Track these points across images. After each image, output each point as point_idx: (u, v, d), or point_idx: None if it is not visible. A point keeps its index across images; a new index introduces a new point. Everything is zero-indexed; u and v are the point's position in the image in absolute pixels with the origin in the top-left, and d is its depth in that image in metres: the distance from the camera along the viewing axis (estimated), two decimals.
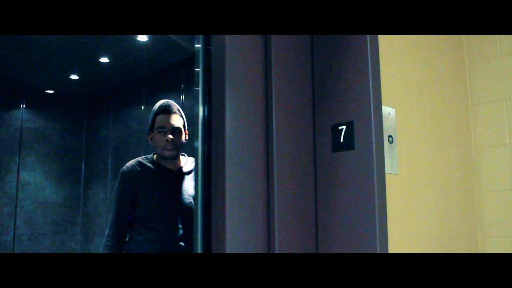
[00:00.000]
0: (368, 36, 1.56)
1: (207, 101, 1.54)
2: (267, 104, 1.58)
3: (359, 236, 1.50)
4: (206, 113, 1.56)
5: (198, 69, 1.54)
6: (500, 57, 1.99)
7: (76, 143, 6.52)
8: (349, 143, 1.57)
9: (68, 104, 6.50)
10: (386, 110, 1.62)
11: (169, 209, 2.17)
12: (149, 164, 2.24)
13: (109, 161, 5.86)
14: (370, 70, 1.55)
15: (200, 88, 1.55)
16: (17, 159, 6.06)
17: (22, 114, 6.20)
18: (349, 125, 1.58)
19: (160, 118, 2.21)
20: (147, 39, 4.36)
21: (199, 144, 1.52)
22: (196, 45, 1.56)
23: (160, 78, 5.18)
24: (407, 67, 1.78)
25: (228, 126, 1.45)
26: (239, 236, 1.42)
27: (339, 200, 1.58)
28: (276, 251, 1.52)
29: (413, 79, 1.81)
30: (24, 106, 6.22)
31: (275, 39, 1.61)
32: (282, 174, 1.56)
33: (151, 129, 2.24)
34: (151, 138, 2.25)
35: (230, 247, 1.38)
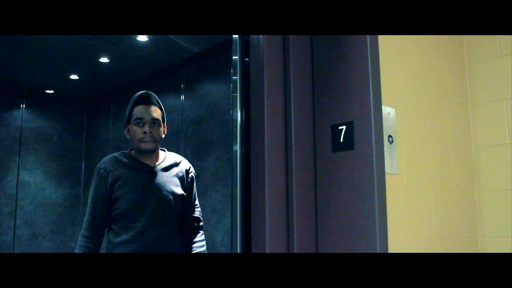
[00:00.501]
0: (368, 36, 1.56)
1: (244, 107, 1.70)
2: (286, 106, 1.67)
3: (359, 236, 1.50)
4: (244, 118, 1.71)
5: (236, 77, 1.72)
6: (500, 57, 1.99)
7: (76, 143, 6.52)
8: (349, 143, 1.57)
9: (68, 104, 6.50)
10: (386, 110, 1.62)
11: (147, 207, 2.03)
12: (125, 160, 2.10)
13: None
14: (370, 70, 1.55)
15: (238, 95, 1.71)
16: (17, 159, 6.06)
17: (22, 114, 6.20)
18: (349, 125, 1.58)
19: (138, 109, 2.08)
20: (147, 39, 4.36)
21: (237, 147, 1.68)
22: (234, 57, 1.74)
23: (160, 78, 5.18)
24: (407, 67, 1.78)
25: (266, 130, 1.60)
26: (276, 236, 1.56)
27: (339, 200, 1.58)
28: (295, 251, 1.52)
29: (413, 79, 1.81)
30: (24, 106, 6.22)
31: (292, 40, 1.67)
32: (299, 175, 1.64)
33: (128, 121, 2.10)
34: (128, 131, 2.11)
35: (270, 247, 1.52)
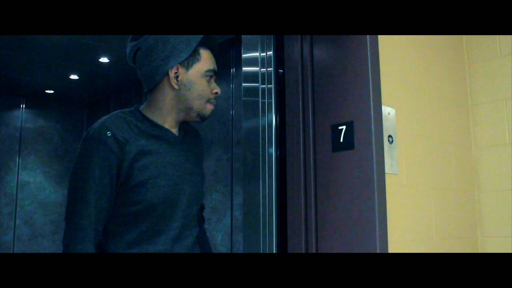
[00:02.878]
0: (368, 36, 1.56)
1: (278, 112, 1.81)
2: (303, 108, 1.74)
3: (359, 236, 1.50)
4: (278, 122, 1.81)
5: (271, 86, 1.82)
6: (500, 57, 1.99)
7: (76, 143, 6.52)
8: (349, 143, 1.57)
9: (68, 104, 6.50)
10: (386, 110, 1.62)
11: (182, 199, 1.34)
12: (139, 123, 1.33)
13: None
14: (370, 70, 1.55)
15: (273, 101, 1.80)
16: (17, 159, 6.06)
17: (22, 114, 6.20)
18: (349, 125, 1.58)
19: (208, 54, 1.39)
20: None
21: (273, 150, 1.77)
22: (268, 69, 1.83)
23: None
24: (407, 67, 1.78)
25: (301, 133, 1.71)
26: (309, 235, 1.61)
27: (339, 200, 1.58)
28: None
29: (413, 79, 1.81)
30: (24, 106, 6.22)
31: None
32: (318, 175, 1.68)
33: (186, 63, 1.35)
34: (179, 76, 1.34)
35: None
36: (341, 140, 1.60)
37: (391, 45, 1.71)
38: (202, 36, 1.35)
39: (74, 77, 5.47)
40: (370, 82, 1.54)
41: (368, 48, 1.56)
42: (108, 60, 4.92)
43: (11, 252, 5.87)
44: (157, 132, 1.34)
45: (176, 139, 1.38)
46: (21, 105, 6.20)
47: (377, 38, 1.59)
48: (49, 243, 6.14)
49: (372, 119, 1.52)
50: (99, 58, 4.88)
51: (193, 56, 1.35)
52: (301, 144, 1.72)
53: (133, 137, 1.28)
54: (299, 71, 1.75)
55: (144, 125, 1.33)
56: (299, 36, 1.77)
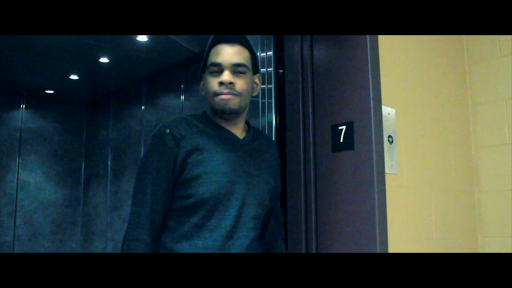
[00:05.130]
0: (368, 36, 1.56)
1: (278, 112, 1.84)
2: (303, 108, 1.75)
3: (359, 236, 1.50)
4: (278, 121, 1.84)
5: (270, 86, 1.85)
6: (500, 57, 1.99)
7: (76, 143, 6.52)
8: (349, 143, 1.57)
9: (68, 104, 6.50)
10: (386, 110, 1.62)
11: (236, 198, 1.35)
12: (200, 124, 1.40)
13: (109, 161, 5.86)
14: (370, 70, 1.55)
15: (273, 101, 1.84)
16: (17, 159, 6.06)
17: (22, 114, 6.19)
18: (349, 125, 1.58)
19: (216, 50, 1.39)
20: (147, 39, 4.36)
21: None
22: (268, 69, 1.86)
23: (160, 78, 5.17)
24: (407, 67, 1.78)
25: (301, 133, 1.72)
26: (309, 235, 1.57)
27: (339, 200, 1.58)
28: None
29: (413, 79, 1.81)
30: (24, 106, 6.22)
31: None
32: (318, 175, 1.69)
33: (203, 69, 1.43)
34: (202, 85, 1.44)
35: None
36: (341, 140, 1.60)
37: (391, 45, 1.71)
38: (212, 37, 1.40)
39: (74, 77, 5.47)
40: (370, 82, 1.54)
41: (368, 48, 1.56)
42: (108, 60, 4.92)
43: (11, 252, 5.87)
44: (217, 132, 1.40)
45: (238, 141, 1.42)
46: (21, 105, 6.20)
47: (377, 38, 1.59)
48: (49, 243, 6.13)
49: (372, 119, 1.52)
50: (99, 58, 4.88)
51: (206, 60, 1.42)
52: (301, 144, 1.72)
53: (190, 134, 1.36)
54: (299, 71, 1.75)
55: (205, 125, 1.40)
56: (299, 36, 1.77)
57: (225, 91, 1.36)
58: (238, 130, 1.44)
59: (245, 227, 1.35)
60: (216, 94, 1.37)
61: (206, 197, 1.31)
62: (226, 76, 1.36)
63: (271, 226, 1.52)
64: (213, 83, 1.38)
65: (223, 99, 1.36)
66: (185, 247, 1.30)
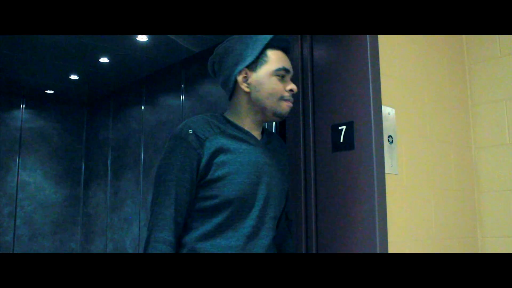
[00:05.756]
0: (368, 36, 1.56)
1: None
2: (303, 108, 1.77)
3: (359, 236, 1.50)
4: (278, 122, 1.92)
5: None
6: (500, 57, 1.99)
7: (76, 143, 6.52)
8: (349, 143, 1.57)
9: (68, 104, 6.50)
10: (386, 110, 1.62)
11: (259, 199, 1.37)
12: (221, 125, 1.41)
13: (109, 161, 5.86)
14: (370, 70, 1.55)
15: None
16: (17, 159, 6.06)
17: (22, 114, 6.19)
18: (349, 125, 1.58)
19: (276, 54, 1.42)
20: (147, 39, 4.36)
21: None
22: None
23: (160, 78, 5.17)
24: (407, 67, 1.78)
25: (301, 133, 1.74)
26: (309, 235, 1.53)
27: (339, 200, 1.58)
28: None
29: (413, 79, 1.81)
30: (24, 106, 6.22)
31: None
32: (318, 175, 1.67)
33: (253, 66, 1.41)
34: (247, 79, 1.41)
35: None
36: (341, 140, 1.60)
37: (391, 45, 1.71)
38: (269, 38, 1.40)
39: (74, 77, 5.47)
40: (370, 82, 1.54)
41: (368, 48, 1.56)
42: (108, 60, 4.92)
43: (11, 252, 5.87)
44: (237, 133, 1.41)
45: (258, 142, 1.43)
46: (21, 105, 6.20)
47: (377, 38, 1.59)
48: (49, 243, 6.13)
49: (372, 119, 1.52)
50: (99, 58, 4.88)
51: (260, 59, 1.40)
52: (301, 144, 1.72)
53: (213, 135, 1.36)
54: (299, 71, 1.75)
55: (226, 126, 1.41)
56: (299, 36, 1.77)
57: (291, 98, 1.43)
58: (257, 132, 1.45)
59: (266, 227, 1.37)
60: (284, 99, 1.41)
61: (231, 198, 1.32)
62: (293, 85, 1.43)
63: (281, 226, 1.52)
64: (281, 87, 1.41)
65: (289, 106, 1.42)
66: (208, 247, 1.30)
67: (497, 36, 2.01)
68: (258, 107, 1.41)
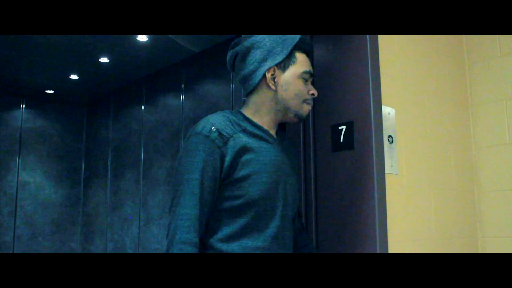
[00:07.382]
0: (368, 36, 1.56)
1: None
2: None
3: (359, 236, 1.50)
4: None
5: None
6: (500, 57, 1.99)
7: (76, 143, 6.52)
8: (349, 143, 1.57)
9: (68, 104, 6.50)
10: (386, 110, 1.62)
11: (280, 198, 1.35)
12: (242, 123, 1.37)
13: (109, 161, 5.86)
14: (370, 70, 1.55)
15: None
16: (17, 159, 6.06)
17: (22, 114, 6.19)
18: (349, 125, 1.58)
19: (304, 58, 1.42)
20: (147, 39, 4.36)
21: None
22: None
23: (160, 78, 5.18)
24: (407, 67, 1.78)
25: (301, 133, 1.74)
26: (309, 235, 1.49)
27: (339, 200, 1.58)
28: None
29: (413, 79, 1.81)
30: (24, 106, 6.22)
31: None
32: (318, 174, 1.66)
33: (283, 65, 1.38)
34: (275, 78, 1.38)
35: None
36: (341, 140, 1.60)
37: (391, 45, 1.71)
38: (297, 39, 1.39)
39: (74, 77, 5.47)
40: (370, 82, 1.54)
41: (368, 48, 1.56)
42: (108, 60, 4.92)
43: (11, 252, 5.87)
44: (257, 131, 1.38)
45: (275, 141, 1.41)
46: (21, 105, 6.20)
47: (377, 38, 1.59)
48: (49, 243, 6.14)
49: (372, 119, 1.52)
50: (99, 58, 4.88)
51: (289, 59, 1.38)
52: (301, 144, 1.72)
53: (236, 133, 1.33)
54: None
55: (246, 124, 1.37)
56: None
57: (312, 102, 1.43)
58: (273, 130, 1.43)
59: (287, 227, 1.37)
60: (307, 101, 1.41)
61: (256, 198, 1.29)
62: (315, 89, 1.43)
63: (294, 225, 1.50)
64: (305, 90, 1.40)
65: (309, 109, 1.42)
66: (235, 248, 1.27)
67: (497, 36, 2.01)
68: (281, 106, 1.39)
